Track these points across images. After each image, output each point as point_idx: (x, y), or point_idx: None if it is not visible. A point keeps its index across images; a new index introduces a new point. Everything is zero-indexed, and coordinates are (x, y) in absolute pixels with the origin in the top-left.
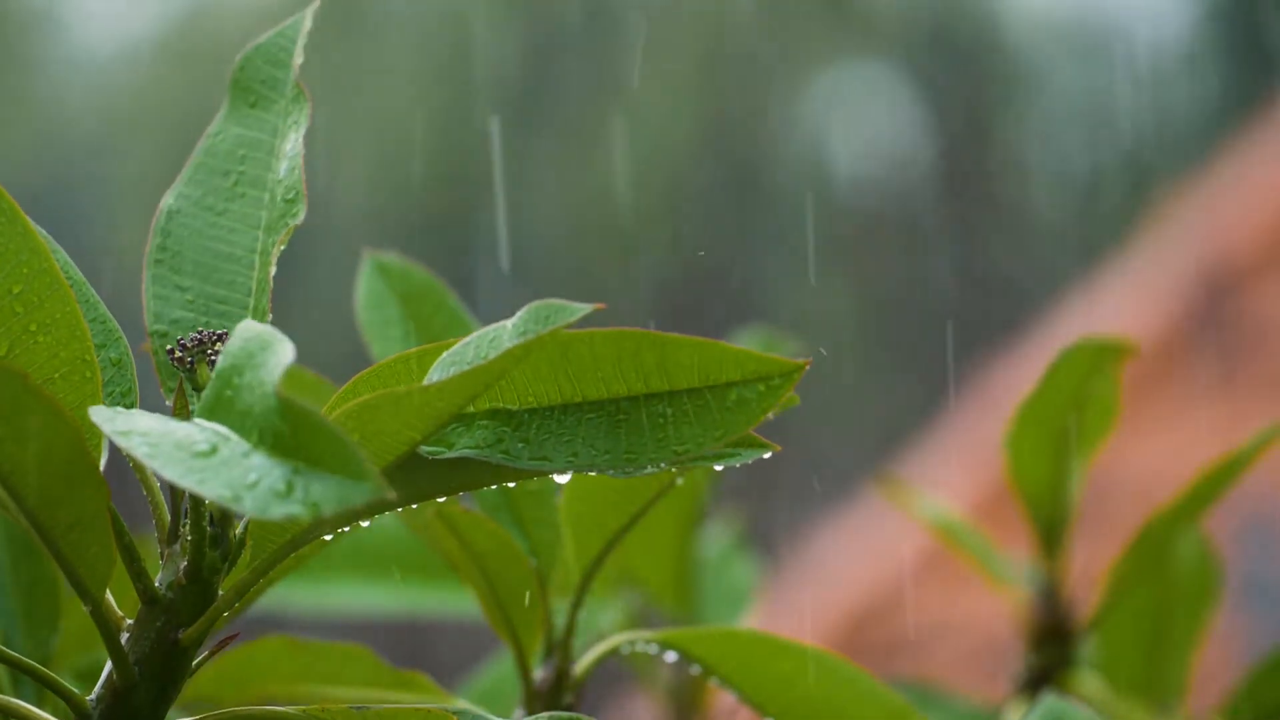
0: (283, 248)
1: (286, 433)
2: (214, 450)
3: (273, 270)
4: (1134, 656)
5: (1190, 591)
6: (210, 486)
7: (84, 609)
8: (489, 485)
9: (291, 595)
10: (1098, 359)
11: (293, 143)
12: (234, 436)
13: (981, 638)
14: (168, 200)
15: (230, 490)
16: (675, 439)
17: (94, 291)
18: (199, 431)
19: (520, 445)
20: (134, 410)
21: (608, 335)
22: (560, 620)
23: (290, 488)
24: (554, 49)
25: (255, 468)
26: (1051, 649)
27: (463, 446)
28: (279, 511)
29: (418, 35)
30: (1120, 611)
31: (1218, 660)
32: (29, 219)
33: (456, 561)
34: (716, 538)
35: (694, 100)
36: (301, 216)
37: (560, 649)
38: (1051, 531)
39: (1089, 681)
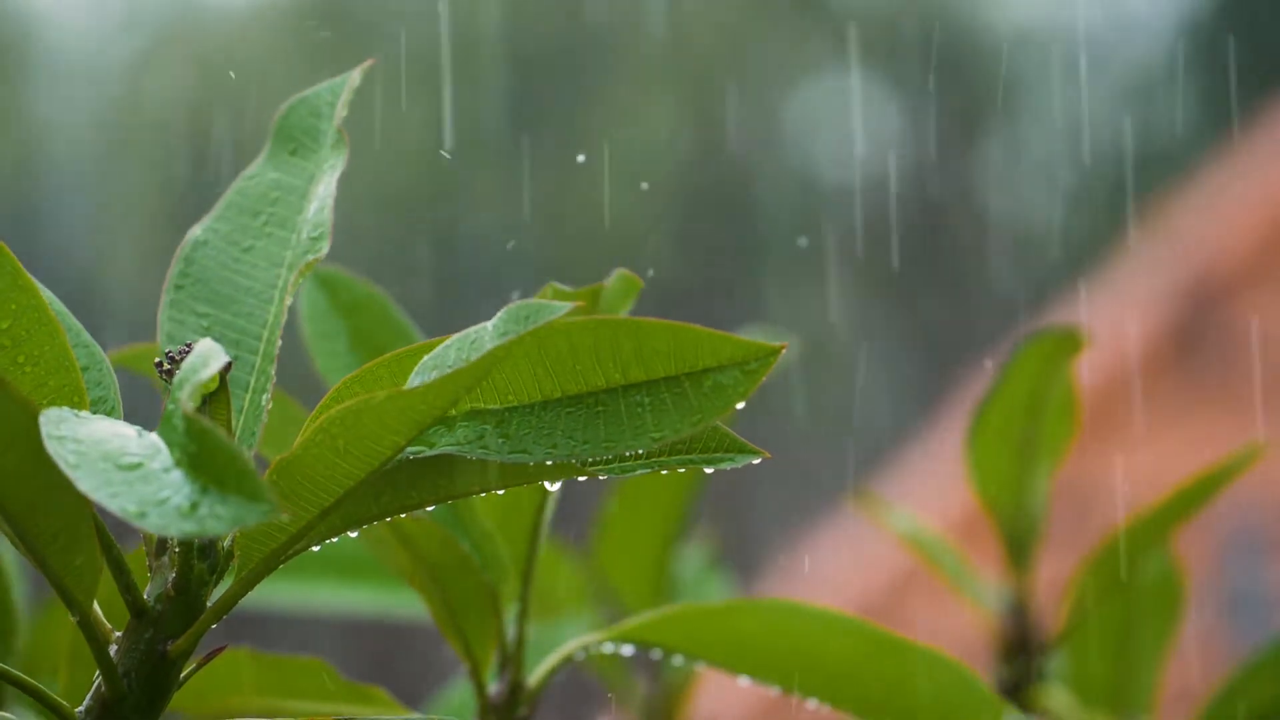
0: (300, 281)
1: (194, 451)
2: (139, 465)
3: (289, 302)
4: (1102, 669)
5: (1156, 604)
6: (120, 501)
7: (41, 628)
8: (472, 491)
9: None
10: (1052, 354)
11: (326, 185)
12: (164, 451)
13: (955, 651)
14: (195, 232)
15: (137, 506)
16: (653, 426)
17: (76, 320)
18: (138, 444)
19: (500, 440)
20: (94, 417)
21: (584, 324)
22: (511, 631)
23: (194, 507)
24: (538, 66)
25: (169, 484)
26: (1020, 663)
27: (444, 445)
28: (178, 529)
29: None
30: (1088, 625)
31: (1204, 674)
32: (17, 259)
33: (409, 573)
34: (692, 557)
35: (681, 110)
36: (324, 252)
37: (513, 661)
38: (1019, 545)
39: (1058, 695)
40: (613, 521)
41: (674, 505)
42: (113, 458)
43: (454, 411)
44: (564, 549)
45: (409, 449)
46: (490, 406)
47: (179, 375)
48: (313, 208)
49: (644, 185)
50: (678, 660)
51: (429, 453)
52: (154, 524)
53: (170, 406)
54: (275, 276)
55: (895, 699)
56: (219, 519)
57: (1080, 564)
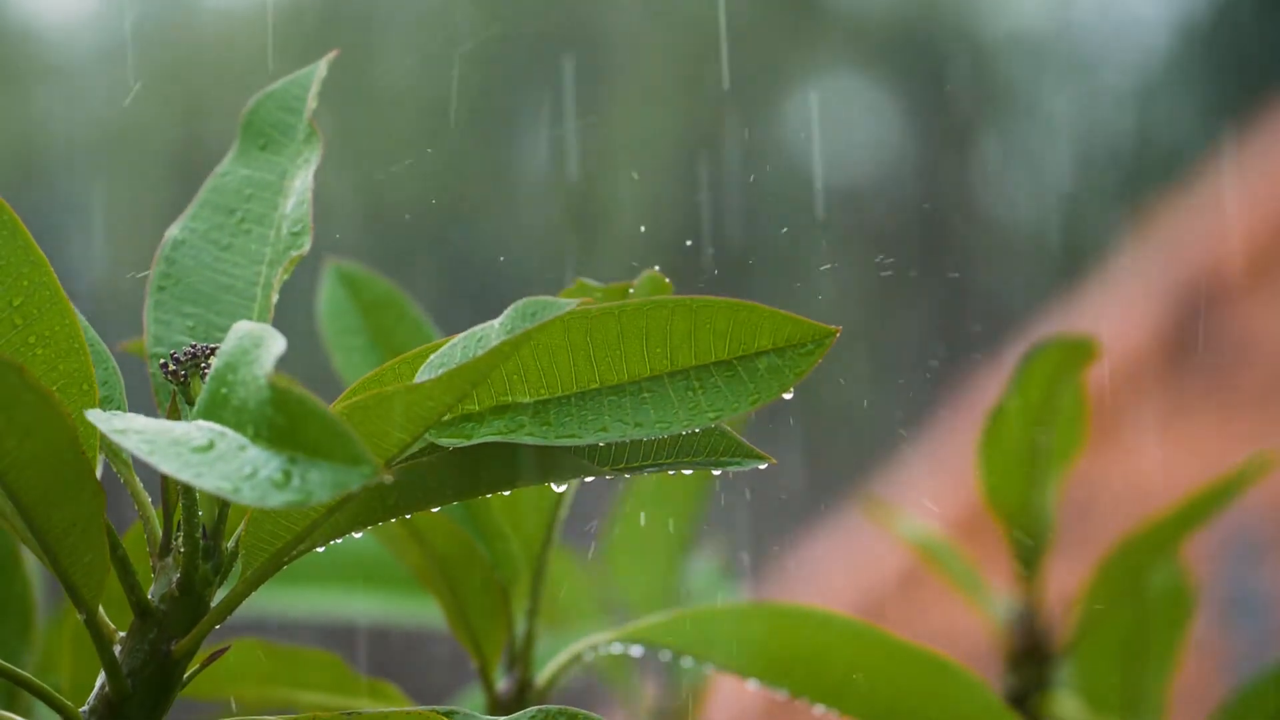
0: (286, 277)
1: (282, 422)
2: (211, 445)
3: (274, 298)
4: (1112, 677)
5: (1166, 611)
6: (207, 479)
7: (52, 629)
8: (480, 491)
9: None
10: (1063, 362)
11: (302, 179)
12: (229, 432)
13: (957, 654)
14: (173, 231)
15: (228, 482)
16: (708, 406)
17: (82, 317)
18: (196, 430)
19: (544, 428)
20: (130, 413)
21: (638, 307)
22: (521, 629)
23: (287, 477)
24: (532, 62)
25: (252, 460)
26: (1029, 670)
27: (482, 435)
28: (277, 500)
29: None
30: (1097, 632)
31: (1202, 676)
32: (29, 233)
33: (420, 569)
34: (703, 567)
35: (676, 110)
36: (307, 248)
37: (522, 659)
38: (1028, 552)
39: (1067, 703)
40: (623, 531)
41: (683, 515)
42: (183, 442)
43: (476, 407)
44: (574, 558)
45: (446, 440)
46: (520, 400)
47: (226, 358)
48: (290, 203)
49: (635, 177)
50: (687, 662)
51: (469, 443)
52: (249, 498)
53: (223, 390)
54: (256, 274)
55: (902, 705)
56: (320, 485)
57: (1091, 572)
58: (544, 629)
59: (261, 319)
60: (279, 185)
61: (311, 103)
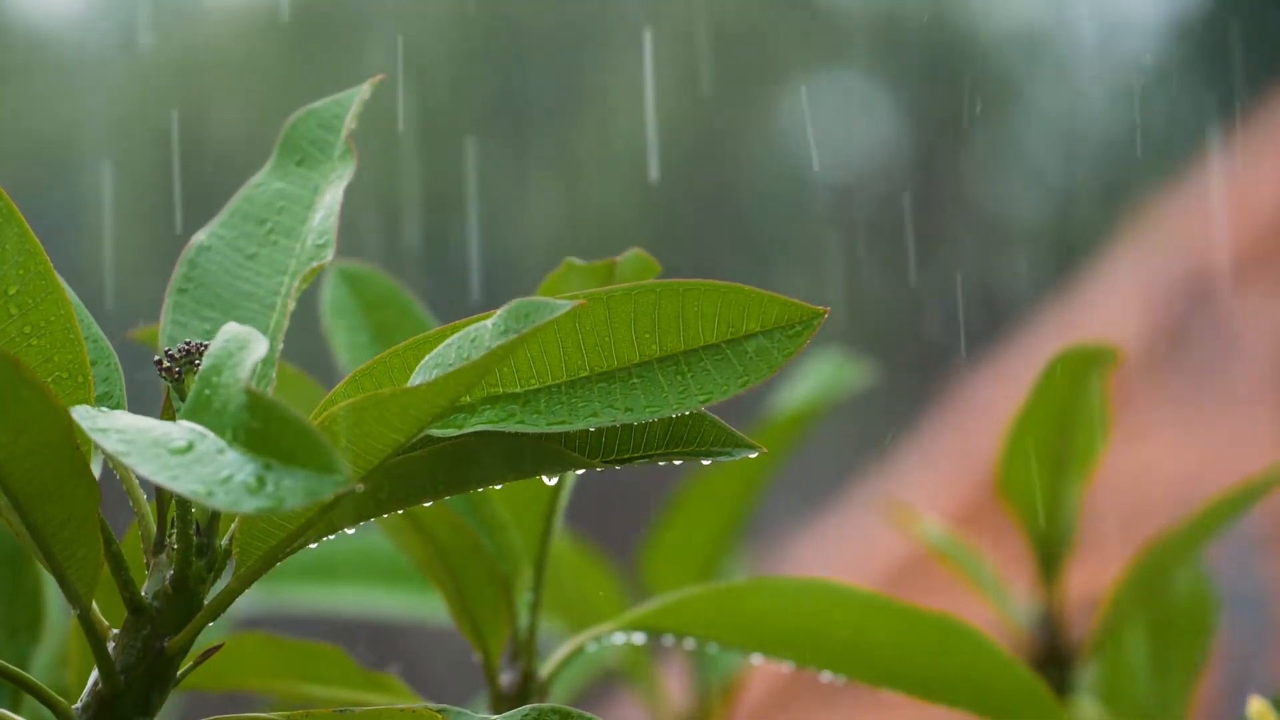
0: (305, 286)
1: (258, 428)
2: (190, 447)
3: (291, 307)
4: (1134, 683)
5: (1190, 617)
6: (183, 482)
7: (58, 627)
8: (472, 485)
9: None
10: (1085, 367)
11: (332, 194)
12: (210, 434)
13: None
14: (200, 237)
15: (203, 486)
16: (697, 390)
17: (88, 312)
18: (178, 430)
19: (535, 416)
20: (118, 411)
21: (626, 291)
22: (524, 621)
23: (261, 483)
24: (529, 59)
25: (229, 464)
26: (1050, 674)
27: (474, 424)
28: (250, 506)
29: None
30: (1120, 637)
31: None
32: (25, 221)
33: (423, 561)
34: (738, 573)
35: (673, 108)
36: (328, 259)
37: (525, 651)
38: (1050, 556)
39: (1088, 707)
40: (662, 537)
41: (725, 522)
42: (162, 443)
43: (469, 399)
44: (610, 565)
45: (437, 431)
46: (511, 390)
47: (212, 360)
48: (318, 217)
49: (636, 175)
50: (689, 644)
51: (462, 432)
52: (222, 502)
53: (206, 392)
54: (278, 284)
55: (908, 665)
56: (292, 492)
57: (1117, 578)
58: (564, 629)
59: (278, 326)
60: (310, 200)
61: (351, 123)
